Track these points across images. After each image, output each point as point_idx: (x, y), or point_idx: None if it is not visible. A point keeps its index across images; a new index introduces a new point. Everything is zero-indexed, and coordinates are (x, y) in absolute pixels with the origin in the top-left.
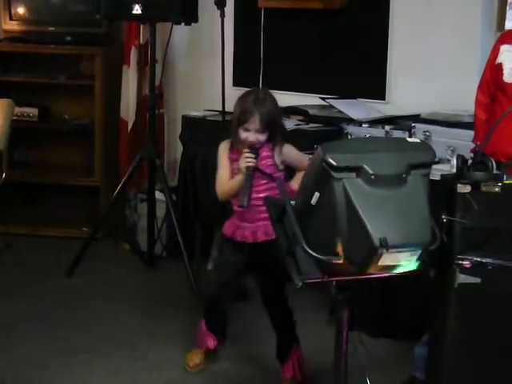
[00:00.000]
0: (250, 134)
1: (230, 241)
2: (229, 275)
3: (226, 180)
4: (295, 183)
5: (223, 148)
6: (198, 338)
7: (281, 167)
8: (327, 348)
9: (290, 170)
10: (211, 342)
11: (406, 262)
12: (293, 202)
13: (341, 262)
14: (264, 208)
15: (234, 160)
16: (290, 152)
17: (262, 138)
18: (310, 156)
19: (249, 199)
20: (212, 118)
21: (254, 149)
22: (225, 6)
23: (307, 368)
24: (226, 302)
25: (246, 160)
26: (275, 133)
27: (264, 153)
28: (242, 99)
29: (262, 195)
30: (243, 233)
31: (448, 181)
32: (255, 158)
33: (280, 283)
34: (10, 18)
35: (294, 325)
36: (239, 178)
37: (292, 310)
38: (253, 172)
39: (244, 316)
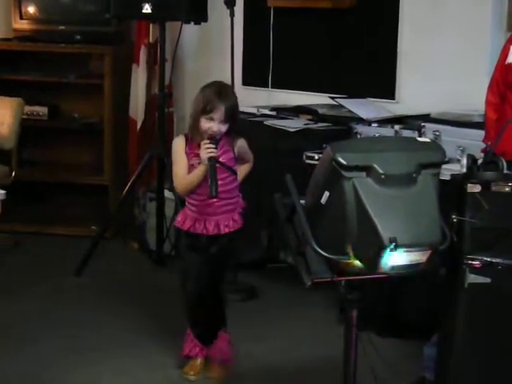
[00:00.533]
0: (214, 124)
1: (186, 234)
2: (194, 271)
3: (184, 175)
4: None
5: (178, 143)
6: (184, 345)
7: (239, 160)
8: (336, 347)
9: None
10: (198, 350)
11: (416, 262)
12: (302, 202)
13: (350, 261)
14: (226, 201)
15: (190, 155)
16: (243, 146)
17: (224, 128)
18: (320, 156)
19: (216, 188)
20: None
21: (215, 140)
22: (234, 5)
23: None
24: (205, 301)
25: (208, 150)
26: (234, 126)
27: (225, 146)
28: (205, 90)
29: (223, 188)
30: (205, 225)
31: (458, 180)
32: (215, 149)
33: (224, 273)
34: (21, 17)
35: (224, 310)
36: (200, 169)
37: (226, 299)
38: (215, 162)
39: (252, 314)
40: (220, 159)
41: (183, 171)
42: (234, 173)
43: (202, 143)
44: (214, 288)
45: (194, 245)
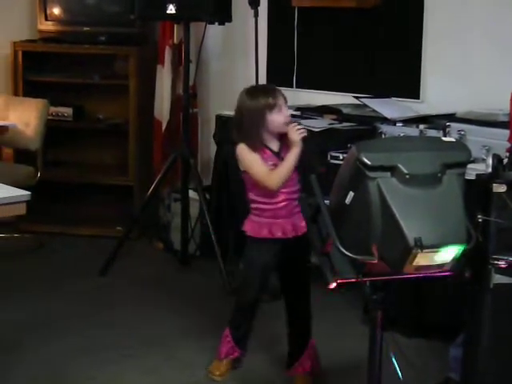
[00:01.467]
0: (285, 111)
1: (259, 241)
2: (261, 278)
3: (269, 170)
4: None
5: (244, 148)
6: (221, 348)
7: None
8: (361, 347)
9: None
10: (235, 354)
11: (441, 263)
12: (327, 202)
13: (375, 261)
14: (296, 201)
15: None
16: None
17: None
18: (344, 155)
19: (319, 163)
20: None
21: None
22: (258, 5)
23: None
24: (256, 308)
25: (300, 131)
26: None
27: (283, 138)
28: (252, 96)
29: (297, 188)
30: (283, 228)
31: (483, 180)
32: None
33: (309, 276)
34: (46, 19)
35: (311, 318)
36: (293, 153)
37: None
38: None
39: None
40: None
41: (266, 167)
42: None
43: (290, 127)
44: (304, 292)
45: (269, 251)
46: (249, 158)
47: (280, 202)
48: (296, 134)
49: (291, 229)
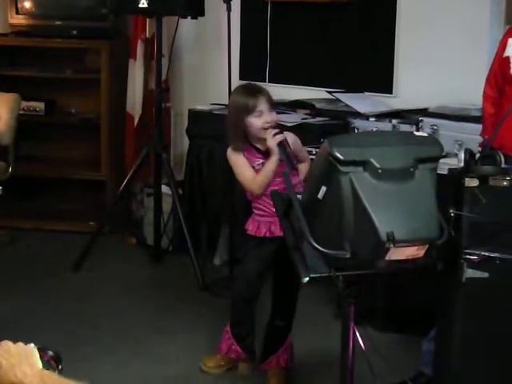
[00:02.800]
0: (266, 115)
1: (259, 240)
2: (257, 275)
3: (254, 175)
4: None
5: (233, 153)
6: (221, 344)
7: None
8: (334, 342)
9: None
10: (235, 355)
11: (413, 257)
12: (299, 197)
13: (348, 256)
14: None
15: (248, 160)
16: (297, 142)
17: (275, 116)
18: (317, 150)
19: (293, 163)
20: (218, 112)
21: (277, 127)
22: None
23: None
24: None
25: (276, 137)
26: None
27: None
28: (235, 96)
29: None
30: (269, 227)
31: (456, 175)
32: (281, 133)
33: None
34: (17, 12)
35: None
36: (272, 161)
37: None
38: (285, 146)
39: None
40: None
41: (252, 172)
42: (294, 167)
43: (267, 132)
44: (296, 291)
45: (267, 249)
46: (234, 163)
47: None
48: (272, 140)
49: None
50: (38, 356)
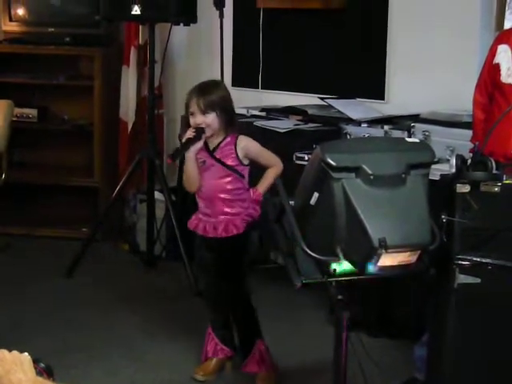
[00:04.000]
0: (196, 117)
1: (198, 234)
2: (206, 271)
3: (189, 173)
4: (264, 183)
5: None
6: (207, 347)
7: (245, 162)
8: (327, 348)
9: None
10: (222, 354)
11: (405, 263)
12: (292, 203)
13: (340, 262)
14: (227, 203)
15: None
16: (251, 148)
17: (209, 120)
18: (309, 156)
19: (176, 154)
20: None
21: (202, 130)
22: (224, 6)
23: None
24: (220, 302)
25: (187, 133)
26: (229, 122)
27: (228, 146)
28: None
29: (227, 188)
30: (204, 226)
31: (447, 181)
32: (197, 136)
33: (237, 281)
34: (10, 20)
35: (257, 321)
36: (188, 160)
37: (255, 308)
38: (190, 144)
39: None
40: (219, 157)
41: (190, 168)
42: (237, 173)
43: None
44: (228, 292)
45: (202, 244)
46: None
47: (205, 199)
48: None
49: (211, 229)
50: (32, 364)
